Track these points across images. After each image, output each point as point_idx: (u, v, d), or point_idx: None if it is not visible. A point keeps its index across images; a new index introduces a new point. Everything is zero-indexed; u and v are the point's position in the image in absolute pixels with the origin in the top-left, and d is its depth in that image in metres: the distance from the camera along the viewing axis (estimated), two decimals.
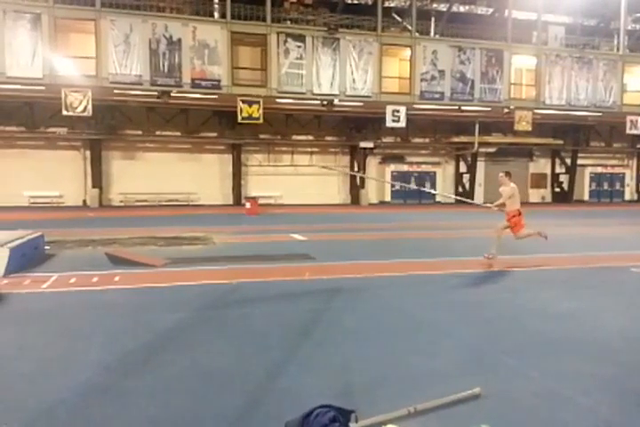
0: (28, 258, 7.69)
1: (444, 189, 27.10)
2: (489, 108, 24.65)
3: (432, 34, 25.14)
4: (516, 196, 8.40)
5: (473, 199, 26.71)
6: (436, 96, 23.75)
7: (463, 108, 24.32)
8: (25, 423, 2.89)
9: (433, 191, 24.65)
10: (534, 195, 29.36)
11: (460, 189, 27.38)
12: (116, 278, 6.88)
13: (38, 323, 4.91)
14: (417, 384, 3.49)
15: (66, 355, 4.03)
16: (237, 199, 23.89)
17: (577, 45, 26.21)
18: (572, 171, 28.59)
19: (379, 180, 26.08)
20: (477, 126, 25.01)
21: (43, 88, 19.75)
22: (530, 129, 24.99)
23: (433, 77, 23.62)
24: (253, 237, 11.92)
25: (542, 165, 29.69)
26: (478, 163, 27.34)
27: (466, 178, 27.40)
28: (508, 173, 8.72)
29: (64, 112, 19.90)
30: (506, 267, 8.02)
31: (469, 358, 4.00)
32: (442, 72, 23.68)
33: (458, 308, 5.56)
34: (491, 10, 27.41)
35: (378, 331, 4.70)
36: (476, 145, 25.45)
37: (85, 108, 19.94)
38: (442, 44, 23.83)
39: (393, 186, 25.81)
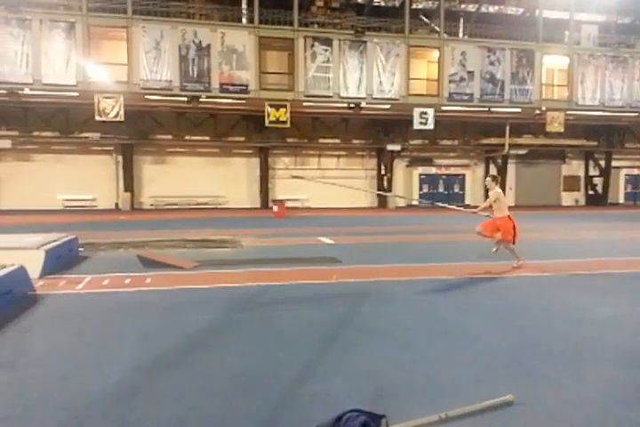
0: (62, 260, 7.89)
1: (473, 191, 26.73)
2: (519, 110, 24.22)
3: (461, 35, 24.88)
4: (501, 201, 8.19)
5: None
6: (465, 98, 23.46)
7: (493, 109, 23.97)
8: (60, 423, 2.95)
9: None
10: (567, 198, 28.69)
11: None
12: (148, 280, 7.00)
13: (73, 323, 5.03)
14: (447, 390, 3.43)
15: (99, 355, 4.11)
16: (265, 202, 24.07)
17: (611, 44, 25.55)
18: (606, 173, 27.83)
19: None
20: (508, 128, 24.60)
21: (76, 94, 20.31)
22: (562, 130, 24.45)
23: (462, 79, 23.36)
24: (281, 240, 11.97)
25: (575, 168, 28.99)
26: (509, 165, 26.89)
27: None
28: (494, 178, 8.55)
29: (97, 118, 20.42)
30: (539, 272, 7.84)
31: (501, 365, 3.92)
32: (471, 73, 23.40)
33: (489, 313, 5.46)
34: (521, 10, 26.96)
35: (407, 335, 4.65)
36: (507, 147, 25.03)
37: (117, 113, 20.42)
38: (471, 45, 23.55)
39: (421, 188, 25.62)
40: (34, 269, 6.67)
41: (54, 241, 8.00)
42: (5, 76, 19.52)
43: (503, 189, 28.41)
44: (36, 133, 22.31)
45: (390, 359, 4.02)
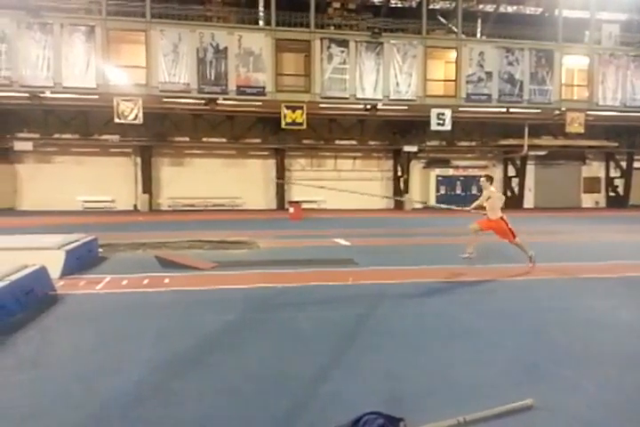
0: (82, 260, 8.00)
1: None
2: (539, 110, 23.91)
3: (479, 35, 24.68)
4: (494, 200, 8.13)
5: (522, 204, 26.14)
6: (483, 98, 23.26)
7: (511, 110, 23.69)
8: (81, 421, 2.99)
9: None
10: (587, 200, 28.21)
11: (509, 194, 26.67)
12: (166, 281, 7.06)
13: (93, 323, 5.10)
14: (465, 393, 3.40)
15: (119, 354, 4.16)
16: (281, 204, 24.13)
17: (633, 43, 25.10)
18: (627, 174, 27.32)
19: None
20: (527, 129, 24.30)
21: (96, 97, 20.60)
22: (582, 131, 24.06)
23: (480, 79, 23.16)
24: (297, 241, 11.99)
25: (595, 169, 28.50)
26: (528, 166, 26.55)
27: (515, 182, 26.65)
28: (489, 177, 8.47)
29: (116, 120, 20.68)
30: (558, 274, 7.73)
31: (520, 369, 3.87)
32: (489, 74, 23.19)
33: (507, 316, 5.39)
34: (540, 9, 26.64)
35: (424, 338, 4.62)
36: (526, 148, 24.73)
37: (136, 115, 20.66)
38: (489, 46, 23.35)
39: (438, 190, 25.44)
40: (54, 270, 6.78)
41: (74, 242, 8.12)
42: (27, 80, 19.89)
43: (522, 191, 27.77)
44: (56, 136, 22.68)
45: (407, 361, 4.00)
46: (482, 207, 8.34)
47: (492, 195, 8.16)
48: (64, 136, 22.77)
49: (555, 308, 5.73)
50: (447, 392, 3.42)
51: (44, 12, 19.92)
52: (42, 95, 20.25)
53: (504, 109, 23.67)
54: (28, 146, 21.76)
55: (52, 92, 20.25)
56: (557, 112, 23.91)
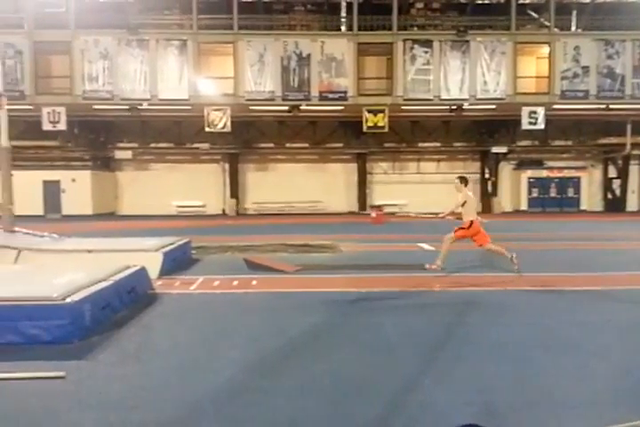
0: (177, 262, 8.45)
1: (589, 195, 24.72)
2: None
3: (573, 28, 23.22)
4: (470, 204, 7.40)
5: (625, 207, 24.13)
6: (580, 95, 21.85)
7: (612, 106, 22.03)
8: (178, 416, 3.13)
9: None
10: None
11: (610, 196, 24.77)
12: (254, 282, 7.27)
13: (188, 321, 5.35)
14: (566, 410, 3.17)
15: (211, 352, 4.32)
16: (363, 208, 24.09)
17: None
18: None
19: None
20: (629, 126, 22.46)
21: (189, 108, 21.80)
22: None
23: (575, 75, 21.78)
24: (380, 245, 11.88)
25: None
26: (631, 167, 24.52)
27: (616, 183, 24.70)
28: (463, 179, 7.68)
29: (206, 129, 21.76)
30: None
31: (628, 387, 3.53)
32: (586, 69, 21.75)
33: (613, 328, 4.97)
34: None
35: (519, 349, 4.36)
36: (628, 147, 22.85)
37: (225, 124, 21.61)
38: (585, 39, 21.91)
39: (530, 192, 24.18)
40: (153, 270, 7.20)
41: (170, 244, 8.60)
42: (127, 93, 21.49)
43: (624, 193, 25.64)
44: (152, 145, 24.26)
45: (502, 373, 3.79)
46: (455, 213, 7.65)
47: (469, 199, 7.52)
48: (160, 145, 24.30)
49: None
50: (545, 407, 3.20)
51: (142, 29, 21.42)
52: (140, 107, 21.76)
53: (603, 106, 22.07)
54: (128, 155, 23.47)
55: (148, 104, 21.72)
56: None
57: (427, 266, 7.46)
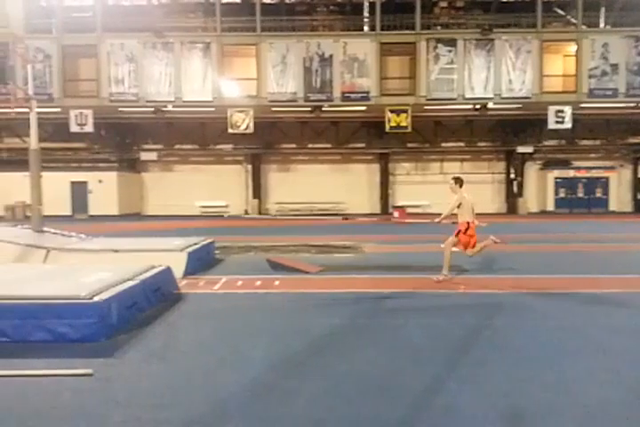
0: (202, 262, 8.54)
1: (618, 196, 24.10)
2: None
3: (602, 25, 22.70)
4: (465, 206, 7.16)
5: None
6: (609, 93, 21.33)
7: None
8: (203, 414, 3.16)
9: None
10: None
11: (639, 197, 24.14)
12: (276, 283, 7.30)
13: (212, 320, 5.41)
14: (593, 415, 3.11)
15: (235, 351, 4.36)
16: (385, 208, 23.97)
17: None
18: None
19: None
20: None
21: (212, 109, 22.01)
22: None
23: (604, 73, 21.28)
24: (402, 246, 11.80)
25: None
26: None
27: None
28: (457, 180, 7.40)
29: (230, 130, 21.93)
30: None
31: None
32: (615, 66, 21.23)
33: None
34: None
35: (546, 353, 4.28)
36: None
37: (248, 125, 21.75)
38: (614, 36, 21.40)
39: (557, 193, 23.71)
40: (178, 270, 7.30)
41: (195, 244, 8.70)
42: (152, 96, 21.80)
43: None
44: (177, 146, 24.57)
45: (527, 377, 3.72)
46: (450, 216, 7.42)
47: (464, 200, 7.29)
48: (184, 147, 24.59)
49: None
50: (572, 412, 3.15)
51: (167, 32, 21.72)
52: (164, 109, 22.05)
53: (633, 104, 21.52)
54: (153, 156, 23.81)
55: (173, 106, 22.00)
56: None
57: (435, 279, 7.31)
